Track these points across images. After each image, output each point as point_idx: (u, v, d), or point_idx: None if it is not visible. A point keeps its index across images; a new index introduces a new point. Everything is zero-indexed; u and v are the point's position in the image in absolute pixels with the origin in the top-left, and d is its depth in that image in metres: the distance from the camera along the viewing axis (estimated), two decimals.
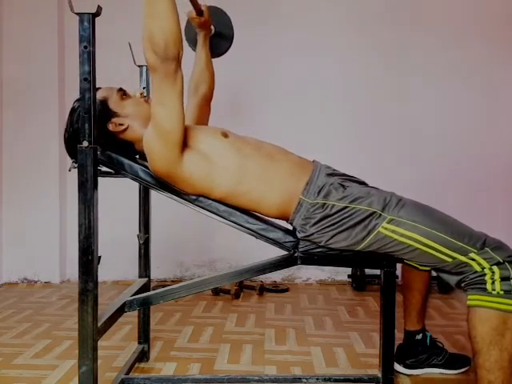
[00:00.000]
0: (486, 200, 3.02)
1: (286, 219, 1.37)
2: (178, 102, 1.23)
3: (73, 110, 1.37)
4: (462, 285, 1.25)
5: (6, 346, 1.93)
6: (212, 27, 1.73)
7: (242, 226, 1.35)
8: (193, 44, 1.77)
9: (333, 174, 1.36)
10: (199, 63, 1.72)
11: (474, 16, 3.04)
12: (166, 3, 1.15)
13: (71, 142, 1.34)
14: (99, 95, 1.34)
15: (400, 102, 3.05)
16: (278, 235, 1.35)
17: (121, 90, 1.39)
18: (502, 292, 1.17)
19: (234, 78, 3.02)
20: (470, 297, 1.22)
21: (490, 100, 3.05)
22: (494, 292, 1.18)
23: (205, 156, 1.30)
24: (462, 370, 1.67)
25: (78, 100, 1.34)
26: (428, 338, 1.68)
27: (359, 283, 2.85)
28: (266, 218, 1.41)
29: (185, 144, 1.29)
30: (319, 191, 1.29)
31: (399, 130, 3.05)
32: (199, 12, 1.63)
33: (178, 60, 1.19)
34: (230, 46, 1.81)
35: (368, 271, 2.81)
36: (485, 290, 1.19)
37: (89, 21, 1.13)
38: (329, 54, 3.06)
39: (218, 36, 1.77)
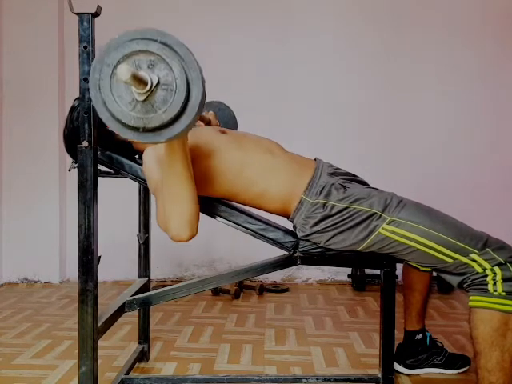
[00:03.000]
0: (486, 200, 3.02)
1: (287, 216, 1.37)
2: None
3: (73, 108, 1.37)
4: (464, 285, 1.24)
5: (6, 346, 1.93)
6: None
7: (241, 226, 1.35)
8: None
9: (335, 173, 1.36)
10: None
11: (479, 15, 3.03)
12: (185, 191, 1.12)
13: (70, 138, 1.35)
14: None
15: (401, 102, 3.05)
16: (277, 235, 1.35)
17: None
18: (503, 293, 1.17)
19: (234, 77, 3.03)
20: (471, 298, 1.22)
21: (493, 100, 3.05)
22: (495, 293, 1.17)
23: (205, 158, 1.29)
24: (462, 370, 1.67)
25: (78, 98, 1.34)
26: (428, 338, 1.68)
27: (359, 283, 2.85)
28: (267, 217, 1.41)
29: None
30: (321, 191, 1.29)
31: (401, 130, 3.05)
32: (208, 123, 1.62)
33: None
34: None
35: (368, 271, 2.81)
36: (486, 290, 1.18)
37: (88, 21, 1.13)
38: (330, 54, 3.06)
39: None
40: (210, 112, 1.61)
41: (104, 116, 0.87)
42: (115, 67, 0.84)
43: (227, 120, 1.78)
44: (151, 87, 0.83)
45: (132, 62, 0.84)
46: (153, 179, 1.24)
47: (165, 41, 0.84)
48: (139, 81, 0.80)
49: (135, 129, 0.85)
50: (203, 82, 0.85)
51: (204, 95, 0.86)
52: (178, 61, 0.83)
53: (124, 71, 0.75)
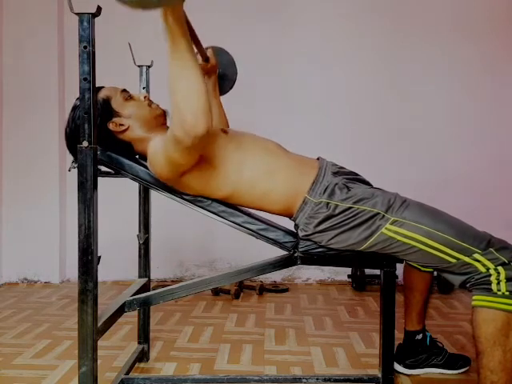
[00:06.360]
0: (485, 200, 3.02)
1: (290, 216, 1.37)
2: (196, 156, 1.23)
3: (75, 107, 1.37)
4: (467, 285, 1.24)
5: (6, 346, 1.93)
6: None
7: (241, 226, 1.35)
8: None
9: (338, 172, 1.36)
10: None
11: (476, 17, 3.04)
12: (194, 78, 1.08)
13: (72, 137, 1.35)
14: (102, 94, 1.35)
15: (400, 102, 3.05)
16: (278, 235, 1.35)
17: (125, 90, 1.39)
18: (507, 293, 1.17)
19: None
20: (474, 297, 1.21)
21: (493, 101, 3.05)
22: (499, 293, 1.17)
23: (207, 159, 1.29)
24: (462, 370, 1.67)
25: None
26: (428, 338, 1.68)
27: (359, 283, 2.85)
28: (267, 217, 1.41)
29: None
30: (324, 190, 1.29)
31: (403, 130, 3.05)
32: (206, 58, 1.62)
33: (205, 137, 1.15)
34: (233, 84, 1.80)
35: (368, 271, 2.81)
36: (490, 290, 1.18)
37: (88, 21, 1.13)
38: (331, 54, 3.06)
39: (221, 76, 1.76)
40: (209, 49, 1.62)
41: None
42: None
43: (226, 64, 1.76)
44: None
45: None
46: (159, 167, 1.27)
47: None
48: None
49: None
50: None
51: None
52: None
53: None
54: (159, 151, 1.25)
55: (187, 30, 1.06)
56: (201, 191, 1.33)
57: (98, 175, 1.24)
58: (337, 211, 1.26)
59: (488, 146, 3.04)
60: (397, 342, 1.49)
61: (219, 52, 1.76)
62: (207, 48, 1.67)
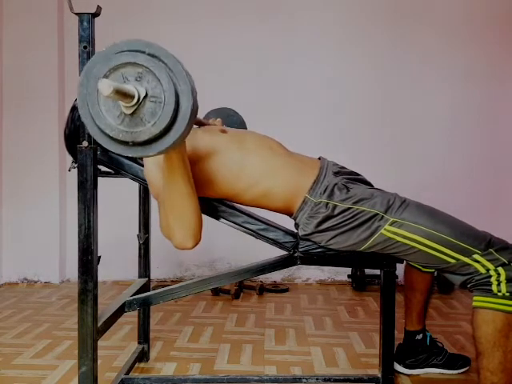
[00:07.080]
0: (485, 200, 3.02)
1: (290, 214, 1.37)
2: None
3: (74, 108, 1.37)
4: (468, 286, 1.24)
5: (6, 346, 1.93)
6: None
7: (241, 226, 1.35)
8: None
9: (339, 172, 1.35)
10: None
11: (475, 17, 3.04)
12: (188, 207, 1.14)
13: (71, 138, 1.35)
14: None
15: (401, 102, 3.05)
16: (278, 235, 1.35)
17: None
18: (507, 294, 1.16)
19: (232, 76, 3.03)
20: (475, 298, 1.21)
21: (492, 101, 3.05)
22: (499, 294, 1.17)
23: (207, 161, 1.28)
24: (462, 370, 1.67)
25: None
26: (428, 338, 1.68)
27: (359, 283, 2.85)
28: (269, 215, 1.40)
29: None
30: (324, 190, 1.28)
31: (400, 130, 3.05)
32: None
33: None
34: None
35: (368, 271, 2.81)
36: (490, 291, 1.18)
37: (88, 21, 1.13)
38: (331, 54, 3.06)
39: None
40: (218, 119, 1.61)
41: (92, 131, 0.85)
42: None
43: (236, 127, 1.77)
44: (138, 100, 0.80)
45: (119, 75, 0.81)
46: (154, 185, 1.24)
47: (153, 52, 0.82)
48: (124, 95, 0.77)
49: (124, 143, 0.83)
50: (194, 93, 0.83)
51: (194, 107, 0.83)
52: (166, 72, 0.81)
53: (105, 86, 0.72)
54: (152, 184, 1.25)
55: (187, 160, 1.10)
56: (202, 192, 1.32)
57: (98, 175, 1.24)
58: (336, 212, 1.26)
59: (488, 145, 3.04)
60: (397, 342, 1.49)
61: (228, 113, 1.77)
62: (217, 112, 1.67)
